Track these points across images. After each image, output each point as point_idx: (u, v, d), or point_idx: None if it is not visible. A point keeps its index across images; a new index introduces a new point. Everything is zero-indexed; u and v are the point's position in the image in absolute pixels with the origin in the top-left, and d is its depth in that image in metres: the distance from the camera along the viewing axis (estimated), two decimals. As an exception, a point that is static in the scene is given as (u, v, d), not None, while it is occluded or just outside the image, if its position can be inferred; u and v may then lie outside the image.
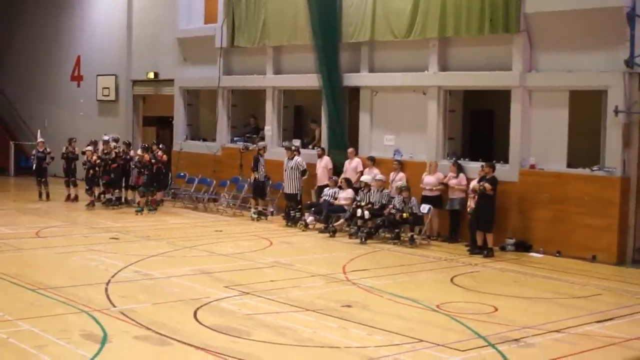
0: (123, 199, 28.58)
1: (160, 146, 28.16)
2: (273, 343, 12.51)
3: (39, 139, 30.72)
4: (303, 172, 25.19)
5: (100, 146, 28.93)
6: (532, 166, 21.65)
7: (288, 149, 25.66)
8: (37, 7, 40.52)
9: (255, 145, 27.59)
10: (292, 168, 25.13)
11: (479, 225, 20.81)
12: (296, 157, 25.28)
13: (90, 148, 28.71)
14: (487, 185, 20.55)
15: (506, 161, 22.11)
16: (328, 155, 25.69)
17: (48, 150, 29.93)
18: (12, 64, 42.37)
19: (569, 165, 21.17)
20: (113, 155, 28.18)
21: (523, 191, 21.60)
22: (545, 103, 21.65)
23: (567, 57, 21.14)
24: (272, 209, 26.68)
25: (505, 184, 21.29)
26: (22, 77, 41.52)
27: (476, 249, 20.84)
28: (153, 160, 27.21)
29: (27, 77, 41.14)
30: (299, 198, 25.27)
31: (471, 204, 21.33)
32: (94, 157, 28.20)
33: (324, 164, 25.51)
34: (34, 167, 30.10)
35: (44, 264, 18.84)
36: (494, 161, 21.62)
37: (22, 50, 41.61)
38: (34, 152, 30.60)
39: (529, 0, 21.43)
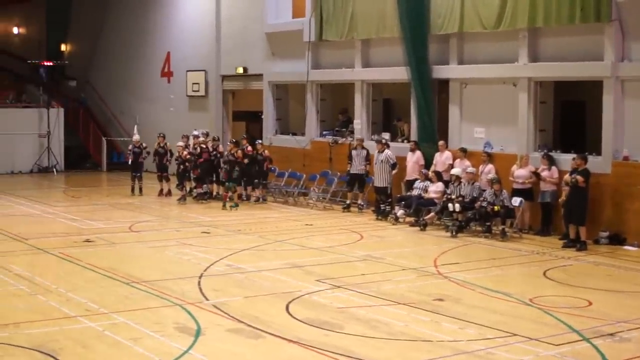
0: (213, 194, 28.83)
1: (258, 141, 28.34)
2: (365, 336, 12.53)
3: (136, 135, 31.12)
4: (393, 166, 25.11)
5: (192, 141, 29.24)
6: (626, 157, 21.28)
7: (378, 142, 25.60)
8: (127, 3, 41.05)
9: (344, 139, 27.73)
10: (382, 161, 25.07)
11: (572, 218, 20.54)
12: (386, 151, 25.20)
13: (181, 144, 29.05)
14: (579, 177, 20.25)
15: (598, 153, 21.77)
16: (419, 149, 25.53)
17: (144, 145, 30.34)
18: (103, 61, 43.02)
19: (663, 157, 20.83)
20: (198, 150, 28.48)
21: (616, 183, 21.25)
22: (638, 93, 21.26)
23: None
24: (362, 203, 26.64)
25: (597, 176, 20.97)
26: (112, 74, 42.15)
27: (570, 242, 20.57)
28: (245, 156, 27.43)
29: (117, 74, 41.75)
30: (389, 191, 25.20)
31: (563, 196, 21.09)
32: (185, 152, 28.51)
33: (415, 159, 25.36)
34: (129, 162, 30.52)
35: (137, 258, 19.13)
36: (586, 153, 21.31)
37: (113, 47, 42.22)
38: (130, 147, 31.03)
39: (621, -12, 21.10)
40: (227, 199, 27.21)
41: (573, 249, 20.13)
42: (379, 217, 24.79)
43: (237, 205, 27.11)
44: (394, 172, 25.22)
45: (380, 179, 25.18)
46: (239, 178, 27.61)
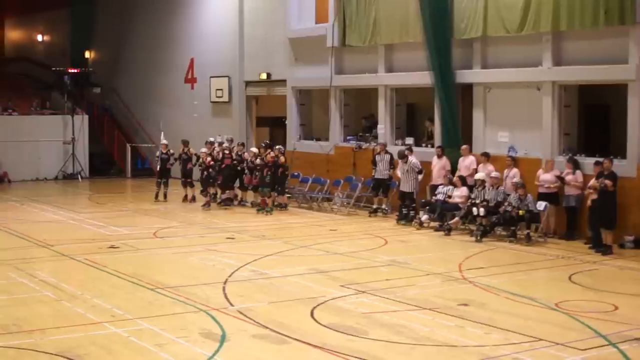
0: (238, 200, 28.89)
1: (278, 147, 28.35)
2: (390, 342, 12.52)
3: (163, 141, 31.24)
4: (420, 172, 25.10)
5: (217, 148, 29.30)
6: (651, 161, 21.21)
7: (401, 157, 25.45)
8: (150, 11, 41.27)
9: (368, 144, 27.79)
10: (407, 171, 25.02)
11: (601, 222, 20.41)
12: (410, 159, 25.13)
13: (204, 150, 29.11)
14: (607, 182, 20.11)
15: (623, 156, 21.66)
16: (445, 154, 25.52)
17: (171, 151, 30.41)
18: (127, 67, 43.22)
19: (689, 159, 20.70)
20: (220, 155, 28.54)
21: (642, 187, 21.17)
22: (663, 96, 21.19)
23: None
24: (386, 207, 26.61)
25: (623, 179, 20.81)
26: (137, 80, 42.36)
27: (596, 247, 20.48)
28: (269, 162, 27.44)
29: (142, 80, 41.94)
30: (414, 196, 25.14)
31: (588, 202, 21.01)
32: (208, 159, 28.59)
33: (442, 164, 25.33)
34: (158, 168, 30.60)
35: (162, 264, 19.18)
36: (611, 157, 21.21)
37: (137, 53, 42.41)
38: (157, 153, 31.16)
39: (646, -9, 20.98)
40: (265, 204, 27.36)
41: (599, 253, 20.03)
42: (402, 222, 24.74)
43: (271, 209, 27.22)
44: (420, 177, 25.18)
45: (406, 184, 25.12)
46: (272, 183, 27.55)
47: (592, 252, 20.20)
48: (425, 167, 25.52)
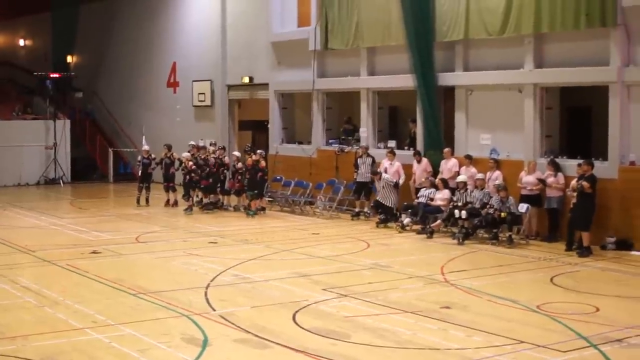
0: (220, 204, 28.88)
1: (259, 152, 28.31)
2: (372, 345, 12.51)
3: (145, 146, 31.16)
4: (395, 185, 25.09)
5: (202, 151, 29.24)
6: (632, 163, 21.25)
7: (374, 174, 25.48)
8: (132, 15, 41.24)
9: (350, 147, 27.86)
10: (383, 187, 25.02)
11: (577, 224, 20.50)
12: (383, 175, 25.10)
13: (186, 154, 29.09)
14: (585, 183, 20.21)
15: (605, 158, 21.75)
16: (425, 156, 25.59)
17: (153, 156, 30.34)
18: (109, 71, 43.15)
19: (671, 161, 20.78)
20: (212, 160, 28.53)
21: (623, 188, 21.20)
22: (645, 98, 21.28)
23: (666, 51, 20.78)
24: (368, 211, 26.62)
25: (604, 181, 20.91)
26: (119, 85, 42.29)
27: (572, 248, 20.57)
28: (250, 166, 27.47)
29: (124, 85, 41.88)
30: (394, 211, 25.06)
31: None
32: (190, 163, 28.57)
33: (423, 166, 25.43)
34: (139, 173, 30.53)
35: (144, 269, 19.14)
36: (592, 158, 21.28)
37: (118, 58, 42.36)
38: (139, 158, 31.11)
39: (626, -6, 21.07)
40: (255, 207, 27.44)
41: (576, 255, 20.10)
42: (381, 225, 24.76)
43: (255, 213, 27.26)
44: (397, 190, 25.17)
45: (386, 199, 25.07)
46: (251, 186, 27.52)
47: (574, 254, 20.24)
48: (406, 171, 25.59)
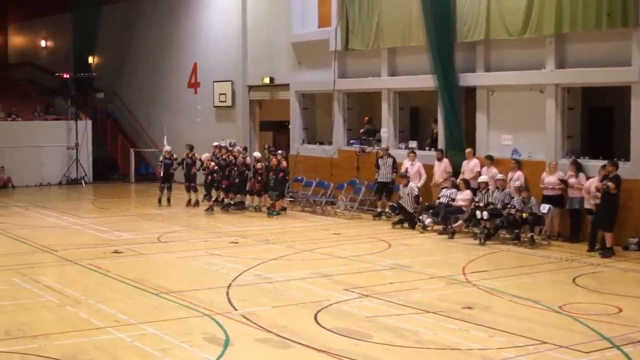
0: (236, 203, 28.91)
1: (280, 152, 28.34)
2: (394, 345, 12.50)
3: (166, 146, 31.23)
4: (416, 198, 24.98)
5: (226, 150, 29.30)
6: (655, 163, 21.19)
7: (403, 177, 25.43)
8: (153, 15, 41.35)
9: (371, 148, 27.86)
10: (407, 194, 24.96)
11: (601, 224, 20.43)
12: (410, 184, 25.05)
13: (207, 155, 29.16)
14: (610, 184, 20.13)
15: (627, 159, 21.65)
16: (446, 157, 25.57)
17: (175, 156, 30.38)
18: (131, 73, 43.27)
19: (693, 161, 20.67)
20: (241, 160, 28.56)
21: (645, 189, 21.15)
22: (666, 98, 21.18)
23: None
24: (389, 211, 26.56)
25: (627, 181, 20.77)
26: (140, 85, 42.39)
27: (595, 249, 20.51)
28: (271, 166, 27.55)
29: (145, 85, 41.98)
30: (412, 216, 25.00)
31: (591, 202, 21.05)
32: (212, 163, 28.64)
33: (443, 167, 25.43)
34: (161, 174, 30.61)
35: (166, 269, 19.18)
36: (615, 159, 21.19)
37: (140, 59, 42.50)
38: (161, 158, 31.11)
39: (648, -8, 20.96)
40: (277, 208, 27.51)
41: (598, 255, 20.05)
42: (395, 226, 24.86)
43: (279, 213, 27.37)
44: (418, 200, 25.11)
45: (407, 203, 24.98)
46: (275, 186, 27.58)
47: (597, 254, 20.17)
48: (427, 171, 25.62)
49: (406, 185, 24.98)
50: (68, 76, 40.64)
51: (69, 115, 39.80)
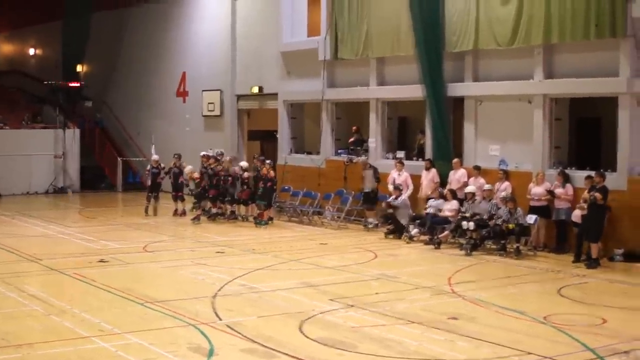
0: (230, 213, 28.85)
1: (268, 162, 28.32)
2: (379, 356, 12.48)
3: (154, 155, 31.19)
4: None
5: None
6: (642, 174, 21.24)
7: (396, 188, 25.43)
8: (142, 24, 41.30)
9: (359, 158, 27.88)
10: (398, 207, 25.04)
11: (588, 235, 20.45)
12: (402, 196, 25.11)
13: (189, 168, 29.31)
14: (597, 195, 20.15)
15: (614, 169, 21.68)
16: (434, 167, 25.59)
17: (162, 165, 30.33)
18: (119, 82, 43.20)
19: (680, 172, 20.72)
20: (232, 170, 28.54)
21: (632, 200, 21.14)
22: (654, 109, 21.23)
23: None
24: (376, 222, 26.57)
25: (613, 192, 20.81)
26: (129, 94, 42.32)
27: (580, 260, 20.54)
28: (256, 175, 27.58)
29: (134, 94, 41.90)
30: (403, 227, 24.98)
31: (576, 215, 21.11)
32: (195, 174, 28.78)
33: (430, 177, 25.44)
34: (148, 183, 30.53)
35: (151, 278, 19.14)
36: (602, 170, 21.21)
37: (128, 67, 42.43)
38: (148, 167, 31.05)
39: (636, 4, 20.95)
40: (265, 217, 27.46)
41: (584, 267, 20.07)
42: (388, 236, 24.83)
43: (267, 223, 27.29)
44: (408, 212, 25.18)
45: (399, 214, 25.02)
46: (264, 196, 27.54)
47: (582, 265, 20.20)
48: (415, 181, 25.63)
49: (398, 196, 24.98)
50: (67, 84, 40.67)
51: (57, 123, 39.67)
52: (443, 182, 25.18)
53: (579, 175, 22.02)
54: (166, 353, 12.52)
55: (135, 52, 41.87)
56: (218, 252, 22.25)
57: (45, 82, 41.93)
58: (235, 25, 35.37)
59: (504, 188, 23.22)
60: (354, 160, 28.44)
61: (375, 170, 26.72)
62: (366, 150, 28.67)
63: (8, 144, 37.76)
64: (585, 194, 20.60)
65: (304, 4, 32.26)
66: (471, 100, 25.40)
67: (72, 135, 39.26)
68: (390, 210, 25.01)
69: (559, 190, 22.06)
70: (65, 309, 15.43)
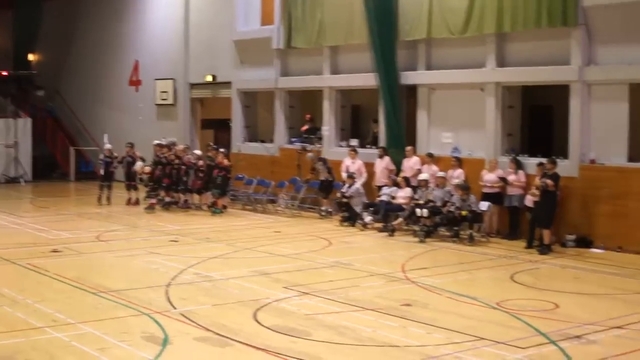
0: (182, 202, 28.75)
1: (222, 150, 28.25)
2: (333, 343, 12.50)
3: (107, 144, 30.97)
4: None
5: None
6: (592, 161, 21.43)
7: (349, 177, 25.55)
8: (95, 13, 40.99)
9: (312, 146, 27.91)
10: (352, 196, 25.09)
11: (540, 221, 20.63)
12: (356, 185, 25.22)
13: (139, 164, 29.11)
14: (548, 181, 20.32)
15: (566, 156, 21.91)
16: (387, 155, 25.67)
17: (115, 155, 30.17)
18: (72, 70, 42.83)
19: (630, 160, 20.94)
20: (186, 159, 28.45)
21: (583, 186, 21.39)
22: (604, 97, 21.43)
23: (626, 50, 20.93)
24: (330, 209, 26.63)
25: (565, 179, 21.04)
26: (81, 83, 41.98)
27: (533, 245, 20.72)
28: (211, 164, 27.52)
29: (86, 83, 41.58)
30: (358, 214, 25.07)
31: (529, 200, 21.28)
32: (147, 169, 28.74)
33: (384, 164, 25.50)
34: (101, 172, 30.34)
35: (105, 268, 19.00)
36: (554, 157, 21.40)
37: (81, 56, 42.09)
38: (101, 156, 30.89)
39: (587, -7, 21.21)
40: (219, 205, 27.46)
41: (536, 253, 20.25)
42: (343, 224, 24.90)
43: (221, 211, 27.30)
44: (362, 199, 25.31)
45: (353, 202, 25.12)
46: (221, 184, 27.53)
47: (535, 251, 20.37)
48: (368, 169, 25.68)
49: (351, 184, 25.04)
50: (6, 74, 40.16)
51: (7, 113, 39.26)
52: (397, 169, 25.26)
53: (531, 163, 22.20)
54: (120, 342, 12.45)
55: (88, 41, 41.52)
56: (172, 240, 22.16)
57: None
58: (189, 14, 35.23)
59: (457, 175, 23.34)
60: (308, 149, 28.41)
61: (324, 161, 26.82)
62: (319, 139, 28.69)
63: (-42, 133, 37.35)
64: (537, 181, 20.75)
65: (257, -8, 32.24)
66: (424, 89, 25.50)
67: (24, 125, 38.87)
68: (345, 200, 25.07)
69: (511, 177, 22.24)
70: (18, 300, 15.30)
